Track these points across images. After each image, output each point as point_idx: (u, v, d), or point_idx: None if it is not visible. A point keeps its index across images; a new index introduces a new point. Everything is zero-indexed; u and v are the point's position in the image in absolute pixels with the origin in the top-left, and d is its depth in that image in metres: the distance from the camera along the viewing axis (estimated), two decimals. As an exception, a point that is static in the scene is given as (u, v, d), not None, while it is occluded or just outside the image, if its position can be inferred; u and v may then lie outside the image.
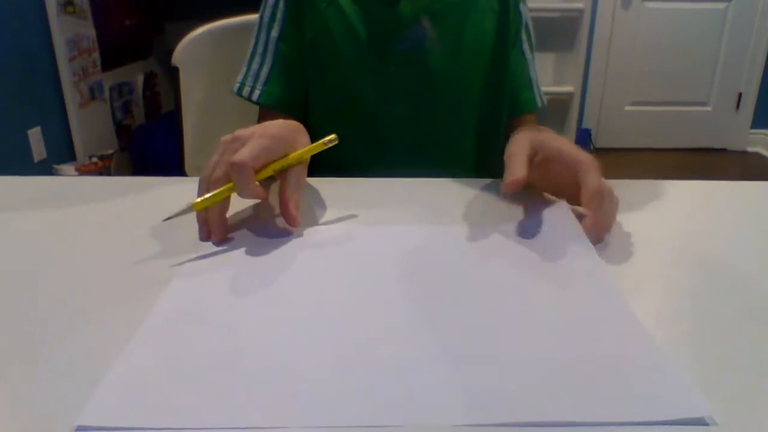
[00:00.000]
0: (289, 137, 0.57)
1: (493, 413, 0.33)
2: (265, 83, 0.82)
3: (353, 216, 0.58)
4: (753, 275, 0.48)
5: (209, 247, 0.52)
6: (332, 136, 0.58)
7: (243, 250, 0.52)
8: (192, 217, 0.56)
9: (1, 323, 0.41)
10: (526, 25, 0.88)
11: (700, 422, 0.33)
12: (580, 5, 2.91)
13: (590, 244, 0.51)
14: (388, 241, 0.53)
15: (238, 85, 0.84)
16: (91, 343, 0.39)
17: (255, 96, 0.82)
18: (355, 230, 0.56)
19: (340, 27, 0.80)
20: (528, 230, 0.55)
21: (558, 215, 0.56)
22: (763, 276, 0.48)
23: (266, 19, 0.83)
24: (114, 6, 2.92)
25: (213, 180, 0.53)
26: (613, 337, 0.40)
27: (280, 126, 0.58)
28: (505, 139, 0.63)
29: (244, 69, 0.84)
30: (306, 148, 0.57)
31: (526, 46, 0.89)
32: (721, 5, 3.33)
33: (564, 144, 0.58)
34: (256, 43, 0.84)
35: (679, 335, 0.40)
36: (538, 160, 0.58)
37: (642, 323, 0.41)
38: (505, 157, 0.58)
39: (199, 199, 0.52)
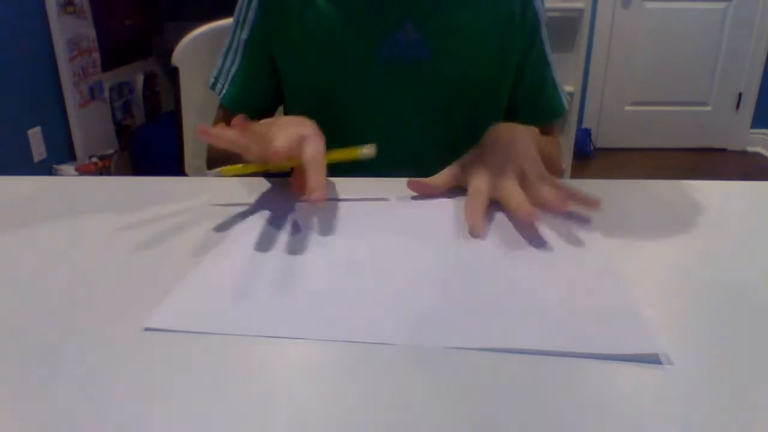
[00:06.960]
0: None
1: (471, 340, 0.38)
2: (231, 84, 0.82)
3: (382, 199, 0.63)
4: (753, 275, 0.48)
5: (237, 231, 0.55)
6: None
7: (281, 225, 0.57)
8: (192, 218, 0.56)
9: (1, 324, 0.41)
10: (546, 25, 0.83)
11: (654, 360, 0.36)
12: (580, 5, 2.91)
13: (600, 245, 0.52)
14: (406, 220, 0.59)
15: (212, 79, 0.84)
16: (90, 344, 0.39)
17: (222, 94, 0.83)
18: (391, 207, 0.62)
19: (319, 29, 0.77)
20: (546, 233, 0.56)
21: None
22: (762, 276, 0.48)
23: (240, 18, 0.81)
24: (114, 6, 2.92)
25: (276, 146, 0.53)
26: (591, 285, 0.45)
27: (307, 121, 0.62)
28: None
29: (219, 63, 0.84)
30: (343, 154, 0.63)
31: (548, 48, 0.84)
32: (721, 5, 3.33)
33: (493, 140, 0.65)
34: (231, 40, 0.83)
35: (678, 335, 0.40)
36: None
37: (620, 278, 0.46)
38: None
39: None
